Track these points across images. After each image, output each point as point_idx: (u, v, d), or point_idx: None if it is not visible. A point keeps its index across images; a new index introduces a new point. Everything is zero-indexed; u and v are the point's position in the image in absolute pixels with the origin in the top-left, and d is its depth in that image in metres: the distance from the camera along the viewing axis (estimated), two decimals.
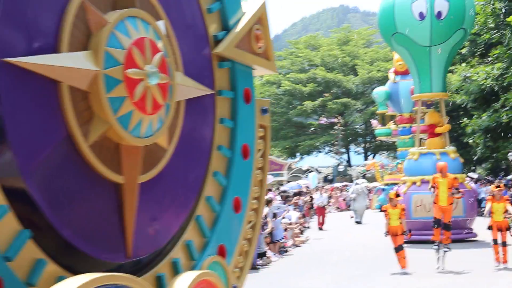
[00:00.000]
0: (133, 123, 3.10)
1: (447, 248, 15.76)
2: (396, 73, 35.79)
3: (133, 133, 3.11)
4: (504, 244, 15.07)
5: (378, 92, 37.06)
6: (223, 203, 4.09)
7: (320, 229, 28.82)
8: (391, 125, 37.15)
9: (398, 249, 15.26)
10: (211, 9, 4.04)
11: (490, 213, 15.19)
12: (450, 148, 21.78)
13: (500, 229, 15.03)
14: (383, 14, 22.05)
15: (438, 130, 21.82)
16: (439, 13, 20.79)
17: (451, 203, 16.11)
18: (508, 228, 15.09)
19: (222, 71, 4.16)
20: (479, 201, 28.71)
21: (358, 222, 31.81)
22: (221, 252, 4.01)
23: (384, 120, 38.52)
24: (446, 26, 20.95)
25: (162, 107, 3.31)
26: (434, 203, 16.08)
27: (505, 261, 15.16)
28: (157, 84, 3.20)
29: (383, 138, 39.90)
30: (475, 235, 21.29)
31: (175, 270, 3.59)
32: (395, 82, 35.49)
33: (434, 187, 16.05)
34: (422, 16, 20.84)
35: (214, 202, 4.02)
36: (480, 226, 21.00)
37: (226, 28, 4.17)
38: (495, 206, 15.05)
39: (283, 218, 22.64)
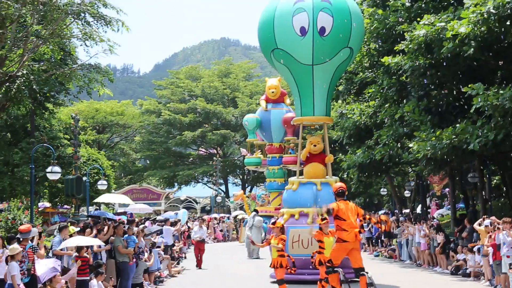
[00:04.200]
0: None
1: None
2: (268, 100, 33.67)
3: None
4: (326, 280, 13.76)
5: (249, 119, 34.60)
6: None
7: (198, 267, 25.21)
8: (259, 154, 35.22)
9: (279, 282, 14.55)
10: None
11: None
12: (333, 178, 19.39)
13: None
14: (262, 27, 19.56)
15: (327, 159, 19.61)
16: (323, 29, 18.43)
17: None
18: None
19: None
20: None
21: (252, 257, 29.07)
22: None
23: (253, 148, 36.57)
24: (330, 43, 18.62)
25: None
26: (341, 240, 13.26)
27: None
28: None
29: (252, 168, 37.44)
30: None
31: None
32: (267, 110, 33.42)
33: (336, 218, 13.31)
34: (304, 31, 18.44)
35: None
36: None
37: None
38: (326, 240, 13.92)
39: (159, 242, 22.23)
